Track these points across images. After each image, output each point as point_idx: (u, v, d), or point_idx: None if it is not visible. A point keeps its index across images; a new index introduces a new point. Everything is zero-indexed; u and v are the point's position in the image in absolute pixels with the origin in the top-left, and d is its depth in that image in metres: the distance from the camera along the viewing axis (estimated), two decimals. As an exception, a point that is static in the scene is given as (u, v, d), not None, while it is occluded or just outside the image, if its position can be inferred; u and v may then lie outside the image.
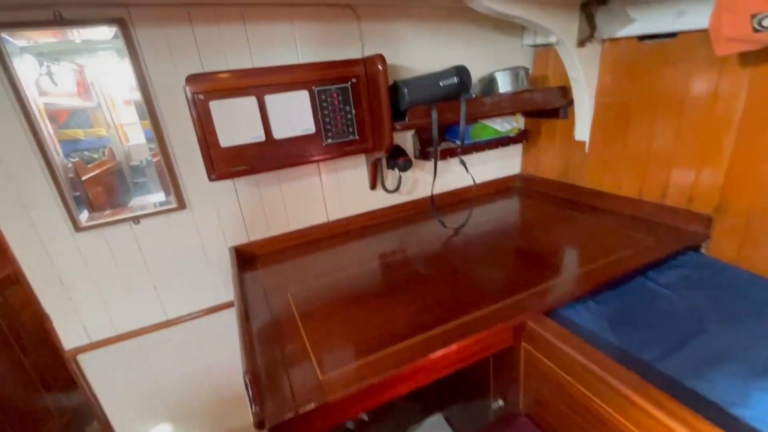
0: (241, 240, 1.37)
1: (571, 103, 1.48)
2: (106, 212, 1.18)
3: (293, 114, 1.16)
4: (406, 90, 1.18)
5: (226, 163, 1.15)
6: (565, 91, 1.48)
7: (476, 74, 1.42)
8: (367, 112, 1.28)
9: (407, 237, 1.46)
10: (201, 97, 1.07)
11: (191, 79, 1.06)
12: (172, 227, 1.26)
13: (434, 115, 1.23)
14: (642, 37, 1.22)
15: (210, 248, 1.33)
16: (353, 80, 1.23)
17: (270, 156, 1.20)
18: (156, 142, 1.15)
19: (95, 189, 1.18)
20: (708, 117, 1.10)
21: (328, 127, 1.24)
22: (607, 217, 1.39)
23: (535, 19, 1.20)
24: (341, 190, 1.47)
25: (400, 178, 1.50)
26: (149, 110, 1.11)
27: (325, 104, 1.21)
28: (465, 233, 1.40)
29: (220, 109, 1.09)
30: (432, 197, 1.44)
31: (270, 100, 1.12)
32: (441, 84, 1.21)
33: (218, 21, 1.13)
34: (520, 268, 1.16)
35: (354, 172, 1.47)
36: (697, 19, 1.05)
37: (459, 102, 1.26)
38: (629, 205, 1.37)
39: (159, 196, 1.22)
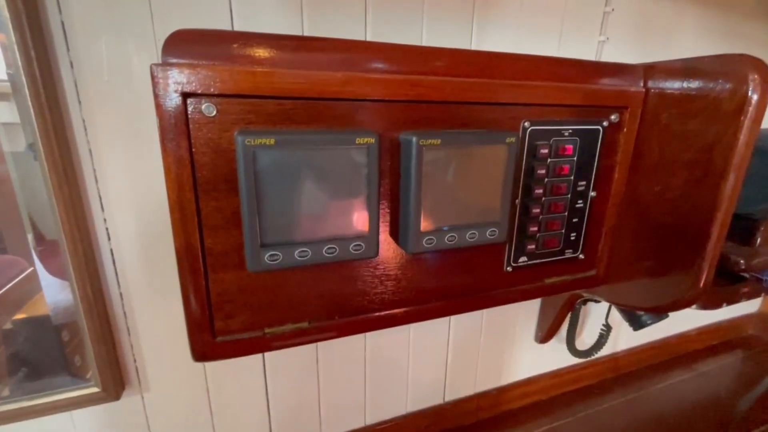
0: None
1: None
2: None
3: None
4: (799, 165, 0.41)
5: (254, 313, 0.38)
6: None
7: None
8: (621, 198, 0.51)
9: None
10: (212, 111, 0.31)
11: (186, 45, 0.31)
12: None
13: (831, 237, 0.46)
14: None
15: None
16: (613, 117, 0.47)
17: (374, 297, 0.42)
18: (67, 239, 0.39)
19: None
20: None
21: (532, 227, 0.47)
22: None
23: None
24: (482, 342, 0.68)
25: (606, 332, 0.70)
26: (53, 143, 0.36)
27: (540, 170, 0.45)
28: None
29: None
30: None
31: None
32: None
33: None
34: None
35: (510, 311, 0.69)
36: None
37: None
38: None
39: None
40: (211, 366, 0.51)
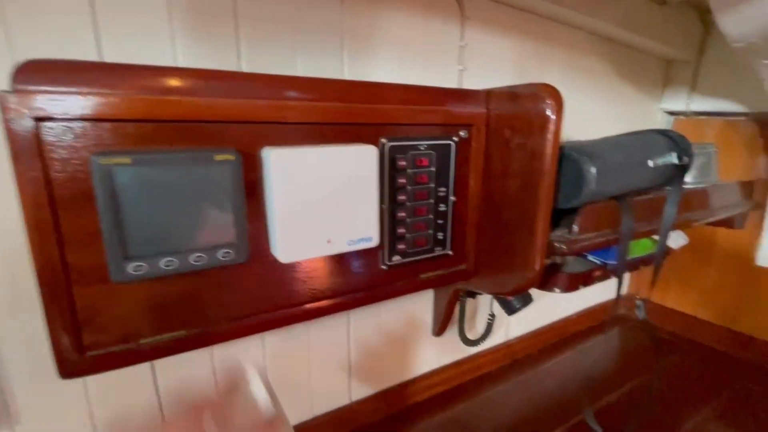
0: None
1: (756, 207, 0.92)
2: None
3: (333, 198, 0.44)
4: (593, 170, 0.53)
5: (127, 324, 0.39)
6: (749, 190, 0.92)
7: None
8: (478, 200, 0.60)
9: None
10: (68, 134, 0.33)
11: (39, 73, 0.33)
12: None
13: (628, 224, 0.58)
14: None
15: None
16: (462, 133, 0.56)
17: (254, 301, 0.46)
18: None
19: None
20: None
21: (400, 229, 0.54)
22: None
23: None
24: (382, 340, 0.74)
25: (492, 320, 0.79)
26: None
27: (401, 179, 0.52)
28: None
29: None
30: (585, 378, 0.74)
31: (276, 159, 0.40)
32: (651, 164, 0.57)
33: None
34: None
35: (406, 309, 0.76)
36: None
37: (657, 198, 0.63)
38: None
39: None
40: (96, 383, 0.50)
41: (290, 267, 0.47)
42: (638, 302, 0.67)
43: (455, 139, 0.55)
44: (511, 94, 0.54)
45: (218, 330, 0.44)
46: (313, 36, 0.54)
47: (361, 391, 0.74)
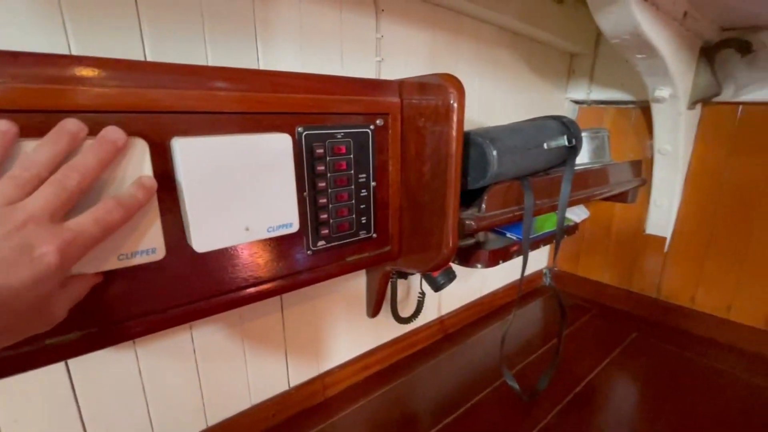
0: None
1: (643, 183, 1.06)
2: None
3: (249, 187, 0.45)
4: (494, 152, 0.58)
5: (26, 326, 0.37)
6: (638, 169, 1.06)
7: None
8: (398, 185, 0.64)
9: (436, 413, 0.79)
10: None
11: None
12: None
13: (529, 201, 0.65)
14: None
15: None
16: (378, 122, 0.59)
17: (171, 293, 0.46)
18: None
19: None
20: None
21: (322, 215, 0.56)
22: (714, 354, 0.94)
23: (671, 61, 0.75)
24: (318, 326, 0.76)
25: (422, 298, 0.85)
26: None
27: (320, 167, 0.54)
28: (550, 404, 0.79)
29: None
30: (503, 341, 0.80)
31: (185, 149, 0.41)
32: (546, 147, 0.64)
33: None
34: None
35: (338, 293, 0.78)
36: None
37: (556, 177, 0.71)
38: (751, 337, 0.94)
39: None
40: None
41: (211, 256, 0.47)
42: (545, 270, 0.75)
43: (372, 127, 0.58)
44: (420, 84, 0.58)
45: (133, 325, 0.43)
46: (223, 24, 0.54)
47: (300, 377, 0.75)
